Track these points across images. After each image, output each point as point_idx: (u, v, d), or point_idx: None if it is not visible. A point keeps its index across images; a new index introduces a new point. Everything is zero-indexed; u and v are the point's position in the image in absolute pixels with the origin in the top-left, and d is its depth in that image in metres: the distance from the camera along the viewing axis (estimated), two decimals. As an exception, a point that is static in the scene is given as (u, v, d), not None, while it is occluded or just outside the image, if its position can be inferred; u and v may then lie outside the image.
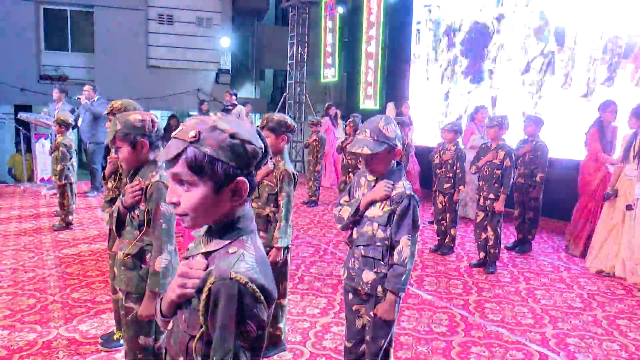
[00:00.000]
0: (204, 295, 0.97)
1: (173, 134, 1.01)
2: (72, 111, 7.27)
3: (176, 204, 1.02)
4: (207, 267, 1.02)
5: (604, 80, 6.01)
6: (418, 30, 9.21)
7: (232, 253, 1.00)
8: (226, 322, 0.93)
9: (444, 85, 8.59)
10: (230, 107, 7.84)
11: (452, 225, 5.02)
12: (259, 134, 1.06)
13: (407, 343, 3.06)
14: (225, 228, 1.05)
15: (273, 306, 1.03)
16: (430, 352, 2.96)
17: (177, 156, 0.99)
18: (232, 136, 0.99)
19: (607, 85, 5.97)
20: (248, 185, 1.02)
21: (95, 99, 7.41)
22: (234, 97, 8.39)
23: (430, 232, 5.78)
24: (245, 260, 0.99)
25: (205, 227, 1.09)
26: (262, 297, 0.96)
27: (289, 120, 2.73)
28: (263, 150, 1.05)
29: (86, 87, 7.51)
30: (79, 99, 7.41)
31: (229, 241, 1.03)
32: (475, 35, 7.91)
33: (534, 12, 6.92)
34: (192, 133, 0.98)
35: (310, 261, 4.66)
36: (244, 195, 1.02)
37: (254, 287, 0.95)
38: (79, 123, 7.43)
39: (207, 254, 1.05)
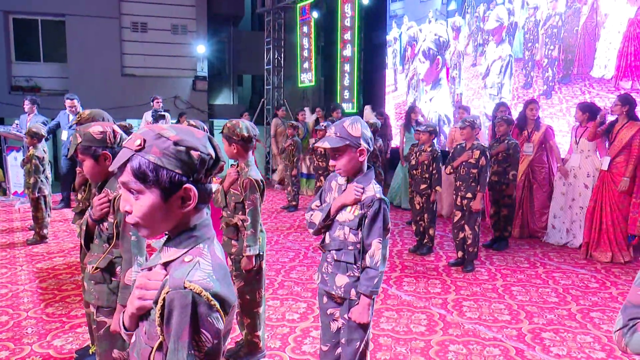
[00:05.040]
0: (159, 306, 0.96)
1: (123, 142, 1.02)
2: (45, 123, 7.12)
3: (129, 212, 1.02)
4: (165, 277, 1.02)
5: (561, 79, 6.21)
6: (387, 40, 9.39)
7: (188, 262, 1.00)
8: (179, 332, 0.93)
9: (410, 95, 8.82)
10: (162, 113, 7.80)
11: (430, 226, 5.07)
12: (210, 141, 1.06)
13: (386, 344, 3.07)
14: (182, 237, 1.04)
15: (233, 314, 1.02)
16: (409, 352, 2.98)
17: (124, 165, 0.99)
18: (176, 143, 0.99)
19: (564, 83, 6.17)
20: (196, 191, 1.02)
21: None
22: (161, 103, 8.33)
23: (410, 233, 5.83)
24: (200, 268, 0.98)
25: (165, 238, 1.09)
26: (217, 306, 0.96)
27: (243, 130, 2.61)
28: (213, 157, 1.04)
29: (72, 101, 7.34)
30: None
31: (185, 250, 1.03)
32: (431, 44, 8.23)
33: (491, 17, 7.15)
34: (138, 142, 0.99)
35: (290, 266, 4.65)
36: (193, 202, 1.02)
37: (209, 295, 0.95)
38: (64, 136, 7.27)
39: (165, 264, 1.04)
